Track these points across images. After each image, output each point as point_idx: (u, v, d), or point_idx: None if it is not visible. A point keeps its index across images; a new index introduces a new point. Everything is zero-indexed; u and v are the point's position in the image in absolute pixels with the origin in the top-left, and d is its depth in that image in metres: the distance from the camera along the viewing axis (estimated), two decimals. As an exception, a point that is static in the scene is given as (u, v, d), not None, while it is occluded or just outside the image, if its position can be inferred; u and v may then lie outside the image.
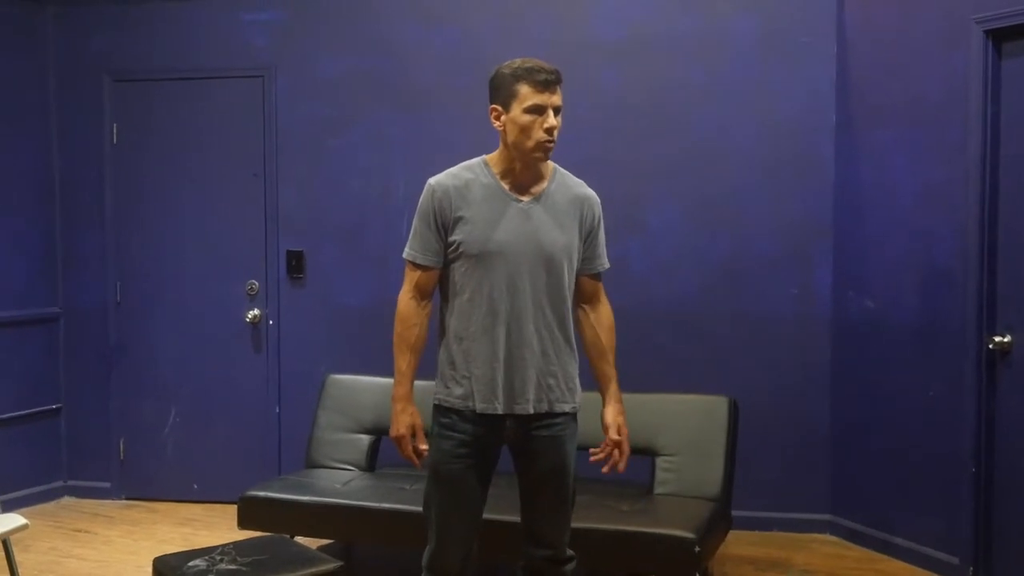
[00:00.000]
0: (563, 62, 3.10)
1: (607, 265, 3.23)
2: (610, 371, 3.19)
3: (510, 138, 3.00)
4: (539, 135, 2.96)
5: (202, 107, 5.64)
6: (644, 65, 5.17)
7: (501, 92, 3.00)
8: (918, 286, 4.61)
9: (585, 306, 3.21)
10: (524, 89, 2.95)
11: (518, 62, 3.00)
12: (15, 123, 5.60)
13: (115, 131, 5.71)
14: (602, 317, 3.22)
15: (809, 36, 5.04)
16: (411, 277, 3.10)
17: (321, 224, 5.54)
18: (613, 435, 3.13)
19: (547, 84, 2.96)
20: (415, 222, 3.09)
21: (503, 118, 3.00)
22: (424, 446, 3.09)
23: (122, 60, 5.70)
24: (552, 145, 3.00)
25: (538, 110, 2.95)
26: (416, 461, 3.10)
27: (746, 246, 5.12)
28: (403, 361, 3.09)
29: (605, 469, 3.13)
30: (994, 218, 4.21)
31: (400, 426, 3.08)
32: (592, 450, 3.15)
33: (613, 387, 3.18)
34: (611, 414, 3.15)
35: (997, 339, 4.16)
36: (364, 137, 5.47)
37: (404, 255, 3.11)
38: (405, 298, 3.10)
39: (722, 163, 5.13)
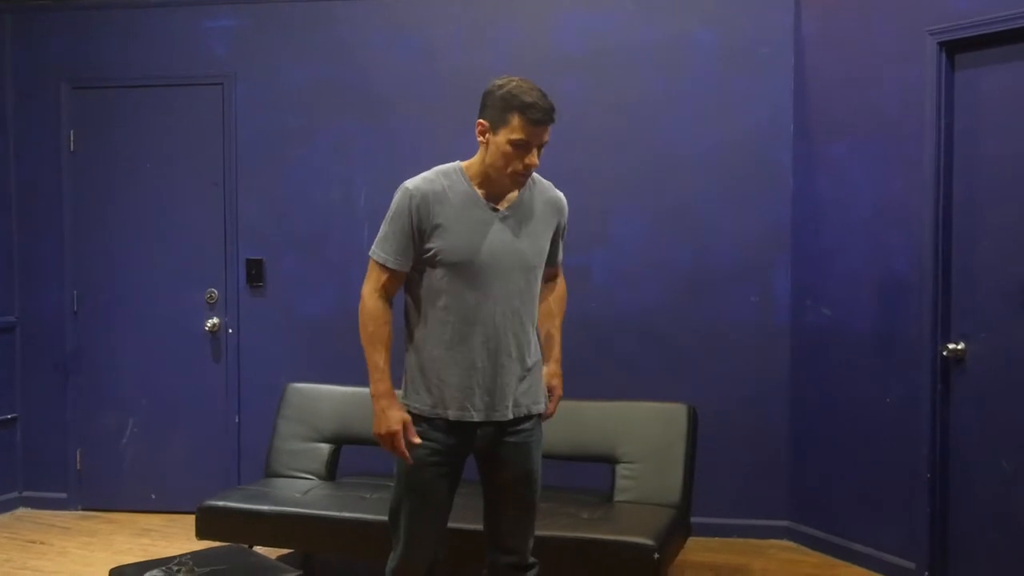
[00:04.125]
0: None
1: (562, 256, 3.32)
2: (555, 333, 3.28)
3: (488, 159, 2.98)
4: (516, 167, 2.95)
5: (161, 115, 5.60)
6: (606, 76, 5.21)
7: (492, 112, 2.96)
8: (875, 295, 4.67)
9: (544, 287, 3.26)
10: (516, 120, 2.91)
11: (515, 85, 2.94)
12: (-30, 130, 5.54)
13: (72, 138, 5.66)
14: (556, 289, 3.32)
15: (767, 47, 5.10)
16: (378, 278, 3.03)
17: (281, 233, 5.52)
18: (555, 389, 3.24)
19: (539, 123, 2.93)
20: (387, 225, 3.03)
21: (487, 136, 2.97)
22: (417, 439, 3.00)
23: (80, 67, 5.64)
24: (525, 180, 3.02)
25: (524, 146, 2.93)
26: (408, 456, 3.00)
27: (706, 255, 5.17)
28: (380, 357, 3.01)
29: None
30: (948, 228, 4.28)
31: (391, 421, 2.98)
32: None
33: (556, 349, 3.26)
34: (549, 373, 3.22)
35: (951, 347, 4.22)
36: (325, 146, 5.46)
37: (373, 256, 3.04)
38: (373, 296, 3.03)
39: (683, 173, 5.17)
